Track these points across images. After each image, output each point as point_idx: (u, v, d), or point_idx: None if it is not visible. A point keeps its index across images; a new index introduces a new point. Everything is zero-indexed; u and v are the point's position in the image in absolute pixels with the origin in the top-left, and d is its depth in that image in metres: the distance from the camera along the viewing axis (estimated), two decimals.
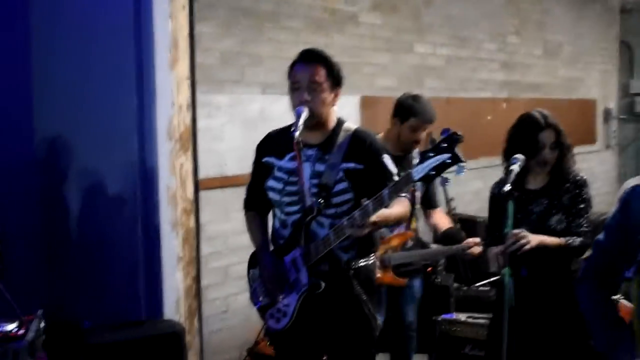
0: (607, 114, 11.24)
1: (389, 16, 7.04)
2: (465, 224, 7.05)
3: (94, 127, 4.11)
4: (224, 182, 5.39)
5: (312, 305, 3.21)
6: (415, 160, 4.51)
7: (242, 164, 5.57)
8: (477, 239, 4.49)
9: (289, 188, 3.27)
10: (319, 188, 3.18)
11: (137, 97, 4.00)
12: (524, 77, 9.22)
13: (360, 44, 6.70)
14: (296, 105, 3.19)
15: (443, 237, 4.70)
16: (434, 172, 2.87)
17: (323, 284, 3.12)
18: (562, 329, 3.65)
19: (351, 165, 3.21)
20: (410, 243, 4.59)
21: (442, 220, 4.76)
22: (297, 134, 3.02)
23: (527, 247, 3.43)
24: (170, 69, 3.97)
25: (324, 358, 3.42)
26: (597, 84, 11.06)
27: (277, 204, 3.34)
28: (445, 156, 2.84)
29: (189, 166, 4.13)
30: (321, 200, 3.15)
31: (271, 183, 3.34)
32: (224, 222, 5.44)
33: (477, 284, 6.78)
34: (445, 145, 2.85)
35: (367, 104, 6.61)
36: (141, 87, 4.01)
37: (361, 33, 6.72)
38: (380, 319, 3.38)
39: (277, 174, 3.33)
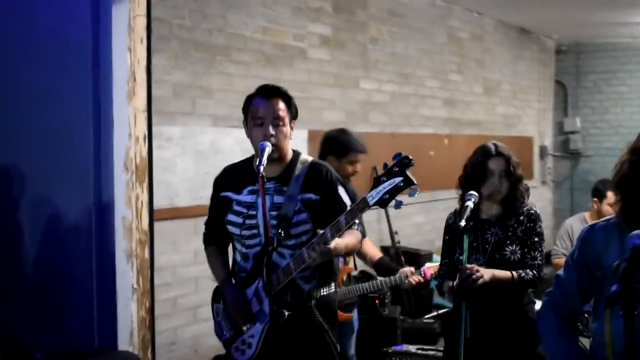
0: (542, 151, 11.58)
1: (337, 52, 7.18)
2: (409, 257, 7.20)
3: (50, 158, 4.09)
4: (175, 214, 5.41)
5: (275, 336, 3.25)
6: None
7: (192, 195, 5.62)
8: (412, 268, 4.61)
9: (249, 222, 3.32)
10: (279, 219, 3.24)
11: (94, 128, 4.00)
12: (464, 114, 9.46)
13: (309, 79, 6.81)
14: (261, 140, 3.24)
15: (375, 268, 4.79)
16: (387, 196, 2.97)
17: (287, 313, 3.17)
18: (514, 355, 3.76)
19: (309, 195, 3.29)
20: (351, 277, 4.67)
21: (372, 250, 4.84)
22: (261, 168, 3.07)
23: (480, 281, 3.53)
24: (127, 101, 4.00)
25: None
26: (534, 121, 11.40)
27: (237, 238, 3.39)
28: (397, 179, 2.95)
29: (144, 197, 4.14)
30: (281, 231, 3.21)
31: (230, 217, 3.39)
32: (173, 254, 5.46)
33: (423, 317, 6.92)
34: (397, 169, 2.96)
35: (314, 138, 6.70)
36: (98, 119, 4.01)
37: (309, 68, 6.84)
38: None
39: (236, 207, 3.37)
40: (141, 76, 4.06)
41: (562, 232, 5.57)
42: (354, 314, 4.78)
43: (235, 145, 5.98)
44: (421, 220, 8.42)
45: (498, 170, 3.85)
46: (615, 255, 2.46)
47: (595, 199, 5.56)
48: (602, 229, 2.57)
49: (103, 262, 4.09)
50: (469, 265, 3.56)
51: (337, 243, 3.09)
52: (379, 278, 4.72)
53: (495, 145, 3.96)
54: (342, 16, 7.25)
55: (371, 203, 2.98)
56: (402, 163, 2.96)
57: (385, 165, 3.01)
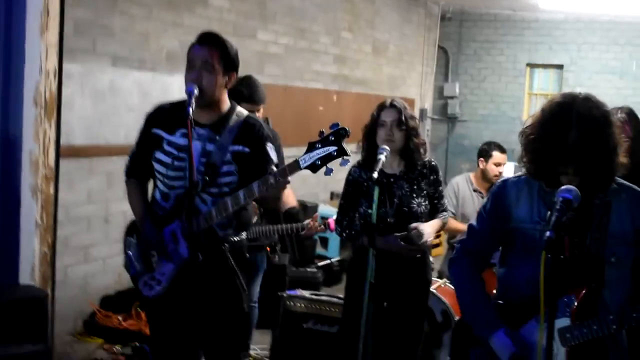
0: (422, 114, 11.98)
1: (237, 1, 7.19)
2: (298, 212, 7.37)
3: None
4: (71, 152, 5.33)
5: (186, 276, 3.33)
6: None
7: (89, 134, 5.56)
8: (316, 222, 4.76)
9: (177, 163, 3.36)
10: (206, 167, 3.29)
11: (4, 61, 3.90)
12: (353, 71, 9.66)
13: (208, 26, 6.77)
14: (188, 83, 3.28)
15: (285, 216, 4.90)
16: (319, 162, 3.09)
17: (201, 257, 3.25)
18: (407, 302, 4.02)
19: (239, 148, 3.36)
20: (255, 218, 4.75)
21: (288, 198, 4.94)
22: (190, 110, 3.12)
23: (430, 240, 3.83)
24: (40, 35, 3.92)
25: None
26: (416, 84, 11.77)
27: (162, 177, 3.42)
28: (332, 148, 3.06)
29: (52, 134, 4.09)
30: (207, 178, 3.28)
31: (159, 156, 3.41)
32: (67, 192, 5.38)
33: (307, 266, 7.13)
34: (333, 138, 3.08)
35: None
36: (9, 51, 3.91)
37: (210, 15, 6.83)
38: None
39: (167, 148, 3.40)
40: (54, 10, 3.98)
41: (448, 190, 5.85)
42: (261, 257, 4.89)
43: (134, 87, 5.94)
44: (307, 173, 8.57)
45: (390, 121, 4.03)
46: (525, 209, 2.70)
47: (482, 159, 5.86)
48: (513, 184, 2.80)
49: (7, 196, 4.02)
50: (413, 225, 3.82)
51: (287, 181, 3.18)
52: (284, 224, 4.81)
53: (391, 99, 4.15)
54: None
55: (302, 166, 3.08)
56: (339, 134, 3.07)
57: (322, 132, 3.11)
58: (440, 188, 4.15)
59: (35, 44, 3.95)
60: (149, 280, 3.42)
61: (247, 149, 3.35)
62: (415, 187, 4.03)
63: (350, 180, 4.18)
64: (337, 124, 3.06)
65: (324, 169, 3.08)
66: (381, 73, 10.47)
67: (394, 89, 10.83)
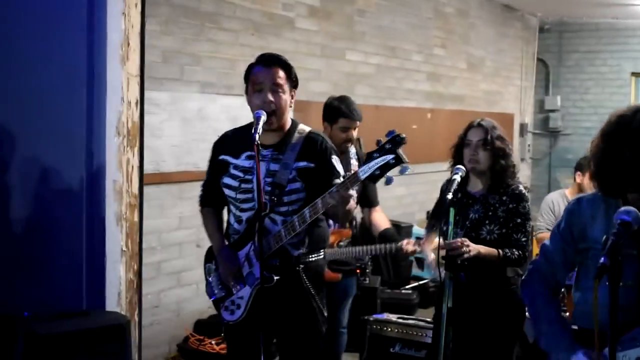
0: (522, 128, 11.70)
1: (324, 23, 7.21)
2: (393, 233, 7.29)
3: (44, 121, 4.11)
4: (161, 179, 5.46)
5: (263, 299, 3.32)
6: (353, 159, 4.73)
7: (178, 161, 5.67)
8: (412, 240, 4.65)
9: (245, 186, 3.39)
10: (273, 186, 3.30)
11: (87, 92, 4.03)
12: (447, 88, 9.53)
13: (296, 49, 6.84)
14: (259, 106, 3.29)
15: (380, 237, 4.84)
16: (378, 172, 3.04)
17: (275, 278, 3.24)
18: (495, 331, 3.86)
19: (303, 164, 3.35)
20: (345, 242, 4.72)
21: (380, 219, 4.89)
22: (257, 136, 3.13)
23: (466, 255, 3.62)
24: (121, 66, 4.03)
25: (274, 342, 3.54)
26: (515, 98, 11.51)
27: (232, 201, 3.45)
28: (389, 157, 3.02)
29: (135, 162, 4.19)
30: (274, 198, 3.28)
31: (227, 180, 3.45)
32: (158, 219, 5.51)
33: (401, 288, 7.04)
34: (390, 146, 3.04)
35: (300, 108, 6.73)
36: (92, 83, 4.04)
37: (297, 38, 6.87)
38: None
39: (233, 171, 3.44)
40: (135, 41, 4.09)
41: (543, 207, 5.68)
42: (351, 281, 4.85)
43: (222, 113, 6.02)
44: (402, 192, 8.50)
45: (475, 140, 3.93)
46: (600, 228, 2.56)
47: (579, 172, 5.68)
48: (588, 202, 2.67)
49: (93, 224, 4.13)
50: (459, 239, 3.64)
51: (349, 193, 3.14)
52: (377, 245, 4.74)
53: (481, 119, 4.04)
54: None
55: (362, 177, 3.05)
56: (395, 141, 3.02)
57: (379, 141, 3.07)
58: (520, 220, 3.85)
59: (117, 75, 4.06)
60: (229, 305, 3.45)
61: (311, 164, 3.34)
62: (490, 213, 3.86)
63: (440, 194, 4.08)
64: (393, 131, 3.03)
65: (384, 179, 3.03)
66: (477, 89, 10.29)
67: (491, 104, 10.62)
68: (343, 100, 4.77)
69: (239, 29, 6.20)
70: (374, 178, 3.06)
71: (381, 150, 3.03)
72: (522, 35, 11.56)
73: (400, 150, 3.03)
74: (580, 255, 2.65)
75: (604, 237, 2.27)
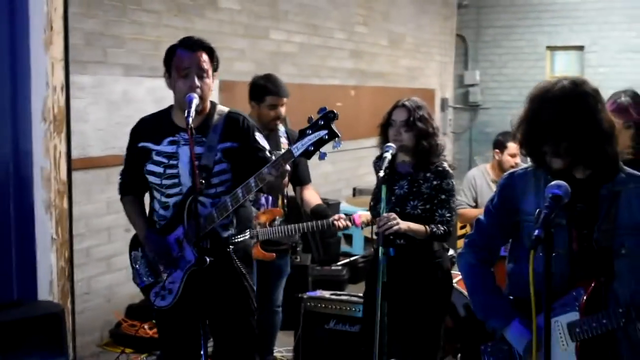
0: (443, 103, 11.91)
1: (247, 2, 7.18)
2: (325, 209, 7.35)
3: None
4: (87, 164, 5.37)
5: (195, 281, 3.34)
6: (282, 137, 4.75)
7: (105, 145, 5.59)
8: (343, 215, 4.71)
9: (169, 171, 3.39)
10: (200, 169, 3.30)
11: (11, 78, 3.95)
12: (370, 66, 9.62)
13: (220, 29, 6.80)
14: (186, 91, 3.29)
15: (312, 213, 4.87)
16: (312, 148, 3.09)
17: (209, 260, 3.25)
18: (424, 303, 3.96)
19: (227, 144, 3.37)
20: (278, 221, 4.75)
21: (312, 196, 4.91)
22: (190, 120, 3.13)
23: (395, 228, 3.69)
24: (45, 50, 3.95)
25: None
26: (435, 74, 11.69)
27: (157, 187, 3.44)
28: (322, 132, 3.08)
29: (62, 148, 4.12)
30: (202, 181, 3.28)
31: (150, 167, 3.43)
32: (86, 204, 5.43)
33: (331, 265, 7.11)
34: (322, 122, 3.08)
35: (225, 88, 6.73)
36: (15, 68, 3.95)
37: (220, 18, 6.83)
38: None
39: (156, 158, 3.42)
40: (58, 24, 4.02)
41: (465, 184, 5.79)
42: (285, 260, 4.89)
43: (147, 95, 5.95)
44: (329, 170, 8.58)
45: (399, 121, 4.00)
46: (532, 200, 2.66)
47: (497, 150, 5.79)
48: (519, 176, 2.77)
49: (21, 212, 4.07)
50: (387, 214, 3.71)
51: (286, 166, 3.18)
52: (306, 223, 4.78)
53: (407, 98, 4.10)
54: None
55: (296, 154, 3.09)
56: (328, 117, 3.08)
57: (310, 118, 3.11)
58: (444, 196, 3.92)
59: (41, 60, 3.99)
60: (160, 290, 3.44)
61: (235, 144, 3.37)
62: (414, 189, 3.94)
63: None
64: (325, 108, 3.09)
65: (317, 154, 3.09)
66: (399, 65, 10.41)
67: (412, 80, 10.77)
68: (269, 78, 4.77)
69: (162, 9, 6.13)
70: (307, 154, 3.11)
71: (314, 126, 3.08)
72: (442, 11, 11.73)
73: (333, 125, 3.09)
74: (514, 228, 2.75)
75: (537, 210, 2.37)
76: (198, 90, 3.29)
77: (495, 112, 12.20)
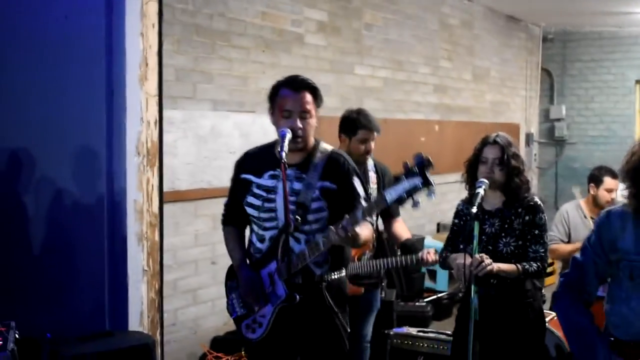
0: (528, 138, 11.71)
1: (333, 38, 7.24)
2: (413, 243, 7.28)
3: (64, 143, 4.16)
4: (176, 197, 5.47)
5: (286, 317, 3.33)
6: (371, 171, 4.74)
7: (193, 178, 5.68)
8: (433, 249, 4.64)
9: (268, 205, 3.40)
10: (297, 205, 3.32)
11: (107, 113, 4.07)
12: (454, 100, 9.56)
13: (306, 64, 6.87)
14: (291, 131, 3.30)
15: (401, 247, 4.83)
16: (405, 195, 3.05)
17: (298, 297, 3.25)
18: (515, 344, 3.86)
19: (326, 184, 3.37)
20: (368, 255, 4.72)
21: (401, 230, 4.87)
22: (283, 155, 3.15)
23: (488, 269, 3.62)
24: (140, 86, 4.05)
25: None
26: (520, 108, 11.53)
27: (255, 220, 3.46)
28: (417, 180, 3.03)
29: (155, 181, 4.21)
30: (298, 217, 3.29)
31: (250, 199, 3.46)
32: (174, 236, 5.51)
33: (415, 301, 7.03)
34: (417, 170, 3.04)
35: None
36: (111, 104, 4.07)
37: (306, 54, 6.90)
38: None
39: (256, 191, 3.45)
40: (153, 61, 4.12)
41: (557, 218, 5.67)
42: (375, 294, 4.84)
43: (234, 130, 6.04)
44: (411, 205, 8.49)
45: (492, 158, 3.93)
46: (631, 240, 2.57)
47: (592, 184, 5.67)
48: (618, 214, 2.68)
49: (115, 244, 4.15)
50: (478, 255, 3.64)
51: (357, 232, 3.17)
52: (395, 257, 4.73)
53: (496, 134, 4.04)
54: (338, 2, 7.32)
55: (389, 201, 3.07)
56: (422, 164, 3.04)
57: (406, 164, 3.08)
58: (537, 232, 3.84)
59: (136, 95, 4.08)
60: (251, 323, 3.45)
61: (334, 186, 3.35)
62: (506, 225, 3.86)
63: (456, 213, 4.10)
64: (421, 155, 3.03)
65: (410, 201, 3.05)
66: (483, 100, 10.32)
67: (497, 115, 10.65)
68: (361, 112, 4.78)
69: (249, 46, 6.23)
70: (400, 201, 3.08)
71: (409, 173, 3.05)
72: (526, 45, 11.60)
73: (428, 174, 3.04)
74: (612, 267, 2.66)
75: None
76: (300, 131, 3.30)
77: (581, 147, 11.94)
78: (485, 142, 4.01)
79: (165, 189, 5.27)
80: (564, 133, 12.06)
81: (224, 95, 6.00)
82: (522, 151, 11.47)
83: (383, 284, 5.67)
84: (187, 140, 5.63)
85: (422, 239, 7.68)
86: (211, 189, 5.78)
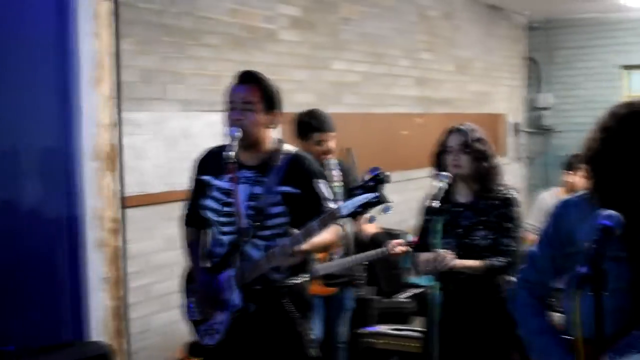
0: (515, 128, 11.62)
1: (308, 33, 7.14)
2: (383, 237, 7.20)
3: (18, 148, 4.06)
4: (146, 201, 5.36)
5: (243, 324, 3.25)
6: (334, 170, 4.66)
7: (164, 181, 5.57)
8: (401, 240, 4.58)
9: (227, 209, 3.32)
10: (255, 210, 3.23)
11: (60, 118, 3.97)
12: (436, 92, 9.46)
13: (279, 61, 6.76)
14: (230, 124, 3.24)
15: (370, 243, 4.78)
16: (360, 209, 3.00)
17: (254, 307, 3.18)
18: (489, 341, 3.78)
19: (288, 189, 3.28)
20: (338, 254, 4.64)
21: (368, 226, 4.82)
22: (232, 154, 3.07)
23: (450, 265, 3.55)
24: (94, 88, 3.95)
25: None
26: (505, 98, 11.43)
27: (213, 223, 3.38)
28: (371, 195, 2.98)
29: (114, 186, 4.11)
30: (256, 224, 3.21)
31: (208, 202, 3.38)
32: (145, 241, 5.40)
33: (397, 296, 6.94)
34: (372, 184, 2.98)
35: (287, 119, 6.66)
36: (64, 107, 3.98)
37: (280, 50, 6.80)
38: (316, 334, 3.46)
39: (214, 193, 3.36)
40: (108, 62, 4.00)
41: (535, 207, 5.62)
42: (348, 293, 4.77)
43: (206, 130, 5.93)
44: (395, 199, 8.39)
45: (456, 145, 3.88)
46: (589, 231, 2.46)
47: (569, 172, 5.61)
48: (575, 204, 2.58)
49: (73, 252, 4.06)
50: (442, 251, 3.58)
51: (309, 244, 3.11)
52: (364, 253, 4.68)
53: (459, 124, 4.01)
54: None
55: (344, 214, 3.01)
56: (378, 179, 2.97)
57: (362, 178, 3.03)
58: (510, 225, 3.79)
59: (91, 98, 3.99)
60: (207, 329, 3.38)
61: (297, 190, 3.26)
62: (482, 218, 3.80)
63: (422, 209, 4.03)
64: (377, 169, 2.97)
65: (368, 215, 3.00)
66: (466, 91, 10.21)
67: (481, 105, 10.55)
68: (312, 114, 4.71)
69: (220, 44, 6.12)
70: (354, 215, 3.05)
71: (364, 187, 2.98)
72: (510, 34, 11.50)
73: (384, 189, 2.99)
74: (569, 261, 2.56)
75: (586, 244, 2.18)
76: (238, 123, 3.22)
77: (569, 135, 11.80)
78: (448, 132, 3.98)
79: (135, 192, 5.19)
80: (551, 121, 11.98)
81: (195, 95, 5.90)
82: (510, 141, 11.40)
83: (362, 281, 5.61)
84: (156, 142, 5.51)
85: (405, 234, 7.59)
86: (183, 192, 5.63)
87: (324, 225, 3.04)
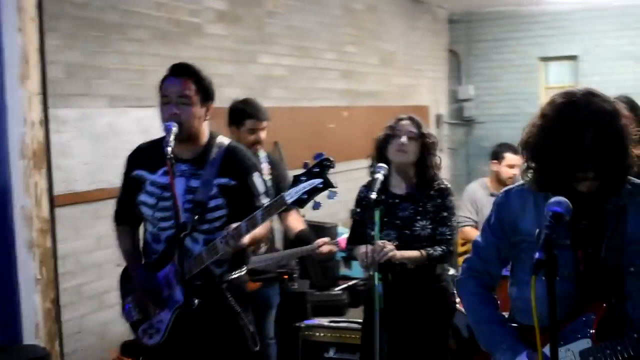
0: (438, 119, 11.78)
1: (234, 27, 7.07)
2: (314, 230, 7.19)
3: None
4: (74, 199, 5.22)
5: (186, 321, 3.19)
6: (264, 162, 4.62)
7: (92, 179, 5.44)
8: (327, 239, 4.56)
9: (163, 203, 3.24)
10: (193, 204, 3.17)
11: None
12: (361, 85, 9.50)
13: (206, 55, 6.67)
14: (166, 119, 3.17)
15: (296, 240, 4.73)
16: (306, 196, 2.94)
17: (196, 302, 3.11)
18: (428, 329, 3.81)
19: (225, 180, 3.22)
20: (263, 249, 4.59)
21: (295, 222, 4.77)
22: (169, 149, 3.00)
23: (389, 255, 3.56)
24: (20, 85, 3.81)
25: None
26: (429, 90, 11.57)
27: (150, 219, 3.30)
28: (317, 181, 2.92)
29: (43, 184, 3.98)
30: (195, 217, 3.15)
31: (143, 198, 3.29)
32: (74, 240, 5.27)
33: (331, 289, 6.96)
34: (317, 170, 2.93)
35: (214, 114, 6.57)
36: None
37: (206, 44, 6.71)
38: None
39: (150, 188, 3.28)
40: (34, 58, 3.87)
41: (465, 198, 5.69)
42: (273, 290, 4.73)
43: (134, 126, 5.82)
44: (324, 193, 8.41)
45: (407, 131, 3.88)
46: (531, 220, 2.50)
47: (495, 161, 5.71)
48: (517, 194, 2.61)
49: (2, 254, 3.91)
50: (380, 242, 3.58)
51: (250, 236, 3.07)
52: (290, 250, 4.65)
53: (409, 114, 4.02)
54: None
55: (289, 202, 2.95)
56: (323, 164, 2.93)
57: (306, 164, 2.97)
58: (446, 214, 3.84)
59: (17, 94, 3.84)
60: (148, 328, 3.30)
61: (233, 182, 3.22)
62: (420, 208, 3.82)
63: (357, 201, 4.02)
64: (322, 154, 2.92)
65: (312, 202, 2.94)
66: (391, 84, 10.29)
67: (405, 98, 10.64)
68: (247, 101, 4.69)
69: (145, 38, 6.01)
70: (300, 202, 2.97)
71: (309, 173, 2.94)
72: (432, 27, 11.64)
73: (329, 174, 2.94)
74: (514, 249, 2.59)
75: (537, 230, 2.20)
76: (175, 117, 3.15)
77: (490, 126, 12.05)
78: (399, 119, 3.97)
79: (61, 191, 5.04)
80: (473, 113, 12.18)
81: (121, 91, 5.77)
82: (434, 133, 11.52)
83: (295, 275, 5.58)
84: (83, 139, 5.37)
85: (335, 227, 7.61)
86: (112, 189, 5.47)
87: (268, 216, 3.00)
